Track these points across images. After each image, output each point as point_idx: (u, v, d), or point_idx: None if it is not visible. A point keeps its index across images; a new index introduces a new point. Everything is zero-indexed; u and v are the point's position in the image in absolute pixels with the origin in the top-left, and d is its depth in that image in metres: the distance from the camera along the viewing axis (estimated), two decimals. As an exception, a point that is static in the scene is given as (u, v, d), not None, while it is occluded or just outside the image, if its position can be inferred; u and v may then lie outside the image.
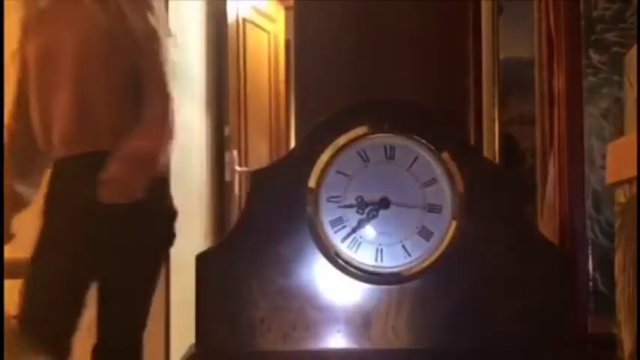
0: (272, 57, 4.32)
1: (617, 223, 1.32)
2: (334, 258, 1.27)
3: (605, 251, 1.38)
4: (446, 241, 1.28)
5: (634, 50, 1.33)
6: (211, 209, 3.79)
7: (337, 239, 1.28)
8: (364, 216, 1.28)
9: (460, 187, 1.28)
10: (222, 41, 3.80)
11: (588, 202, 1.41)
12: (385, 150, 1.29)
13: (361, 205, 1.28)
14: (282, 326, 1.26)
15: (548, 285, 1.27)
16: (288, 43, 4.39)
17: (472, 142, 1.78)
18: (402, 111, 1.31)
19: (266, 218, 1.28)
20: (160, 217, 1.94)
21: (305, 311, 1.26)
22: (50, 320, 1.85)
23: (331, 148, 1.28)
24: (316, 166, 1.28)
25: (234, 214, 3.78)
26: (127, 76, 1.89)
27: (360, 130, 1.29)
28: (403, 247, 1.28)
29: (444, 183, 1.28)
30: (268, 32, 4.27)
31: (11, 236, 1.96)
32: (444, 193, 1.28)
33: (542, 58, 1.68)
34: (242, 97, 3.90)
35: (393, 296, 1.27)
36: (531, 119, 1.80)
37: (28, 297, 1.86)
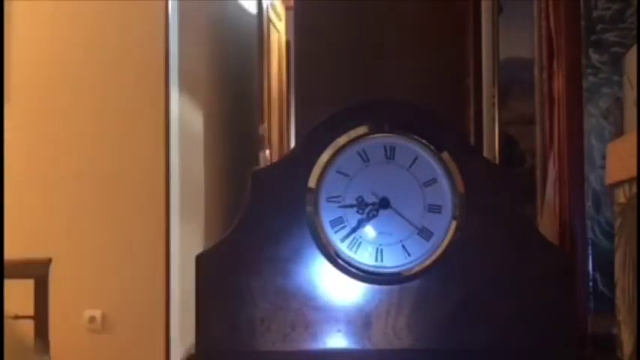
0: (281, 56, 4.32)
1: (617, 223, 1.32)
2: (334, 258, 1.27)
3: (605, 251, 1.38)
4: (446, 241, 1.28)
5: (634, 50, 1.33)
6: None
7: (337, 239, 1.28)
8: (364, 216, 1.28)
9: (460, 187, 1.28)
10: (255, 40, 3.80)
11: (588, 202, 1.41)
12: (385, 150, 1.29)
13: (361, 205, 1.28)
14: (282, 326, 1.26)
15: (548, 285, 1.27)
16: (287, 44, 4.38)
17: (472, 142, 1.78)
18: (402, 111, 1.31)
19: (266, 218, 1.28)
20: None
21: (305, 311, 1.26)
22: None
23: (331, 148, 1.28)
24: (316, 166, 1.28)
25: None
26: None
27: (360, 130, 1.29)
28: (403, 247, 1.28)
29: (444, 183, 1.28)
30: (279, 31, 4.27)
31: None
32: (444, 193, 1.28)
33: (542, 58, 1.68)
34: (267, 96, 3.90)
35: (393, 296, 1.27)
36: (531, 119, 1.80)
37: None
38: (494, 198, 1.29)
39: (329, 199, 1.28)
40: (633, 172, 1.17)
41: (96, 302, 3.33)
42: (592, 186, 1.40)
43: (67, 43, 3.38)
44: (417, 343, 1.26)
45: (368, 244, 1.28)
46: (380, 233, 1.28)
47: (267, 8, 3.90)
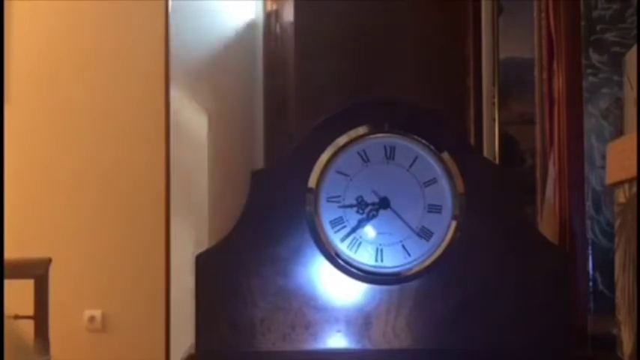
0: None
1: (617, 223, 1.32)
2: (334, 258, 1.27)
3: (605, 251, 1.38)
4: (446, 241, 1.28)
5: (634, 50, 1.33)
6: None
7: (337, 239, 1.28)
8: (364, 216, 1.28)
9: (460, 187, 1.28)
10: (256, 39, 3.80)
11: (588, 202, 1.41)
12: (385, 150, 1.29)
13: (361, 205, 1.28)
14: (282, 326, 1.26)
15: (547, 285, 1.27)
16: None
17: (472, 142, 1.78)
18: (402, 111, 1.31)
19: (266, 218, 1.28)
20: None
21: (305, 311, 1.26)
22: None
23: (331, 148, 1.28)
24: (316, 166, 1.28)
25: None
26: None
27: (360, 130, 1.29)
28: (403, 247, 1.28)
29: (444, 183, 1.28)
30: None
31: None
32: (444, 193, 1.28)
33: (542, 58, 1.68)
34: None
35: (393, 296, 1.27)
36: (531, 119, 1.80)
37: None
38: (495, 198, 1.29)
39: (329, 199, 1.28)
40: (633, 172, 1.17)
41: (96, 302, 3.33)
42: (592, 186, 1.40)
43: (67, 43, 3.38)
44: (416, 343, 1.26)
45: (368, 244, 1.28)
46: (380, 233, 1.28)
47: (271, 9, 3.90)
